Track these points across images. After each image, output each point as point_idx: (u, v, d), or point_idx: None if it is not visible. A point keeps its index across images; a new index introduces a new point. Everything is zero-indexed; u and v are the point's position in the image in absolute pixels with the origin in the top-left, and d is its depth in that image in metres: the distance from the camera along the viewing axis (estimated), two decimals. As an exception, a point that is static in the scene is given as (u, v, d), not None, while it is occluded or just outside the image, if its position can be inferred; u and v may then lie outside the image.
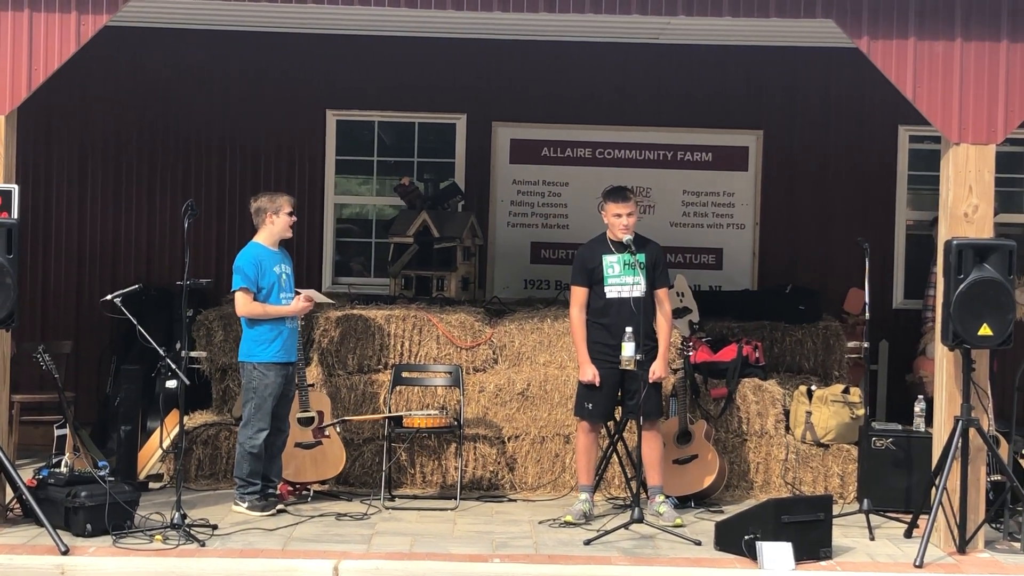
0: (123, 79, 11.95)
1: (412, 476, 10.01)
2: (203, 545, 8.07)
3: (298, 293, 9.31)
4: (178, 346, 9.13)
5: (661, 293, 9.05)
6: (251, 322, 9.14)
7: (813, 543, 8.02)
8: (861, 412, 9.71)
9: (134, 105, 11.98)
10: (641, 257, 8.85)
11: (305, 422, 9.59)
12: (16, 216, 8.33)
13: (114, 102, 11.98)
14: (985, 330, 8.14)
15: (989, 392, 8.59)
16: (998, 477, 8.72)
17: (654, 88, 12.05)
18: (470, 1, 8.50)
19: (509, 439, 9.99)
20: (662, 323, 9.03)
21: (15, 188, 8.41)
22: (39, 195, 11.85)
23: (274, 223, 9.23)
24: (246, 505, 9.03)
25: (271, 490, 9.20)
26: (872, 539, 8.57)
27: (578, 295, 9.06)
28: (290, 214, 9.24)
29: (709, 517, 9.00)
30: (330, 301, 10.08)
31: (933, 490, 8.34)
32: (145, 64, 11.93)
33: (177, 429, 8.80)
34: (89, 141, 12.02)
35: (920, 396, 9.72)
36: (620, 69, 11.98)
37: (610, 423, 9.36)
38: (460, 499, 9.48)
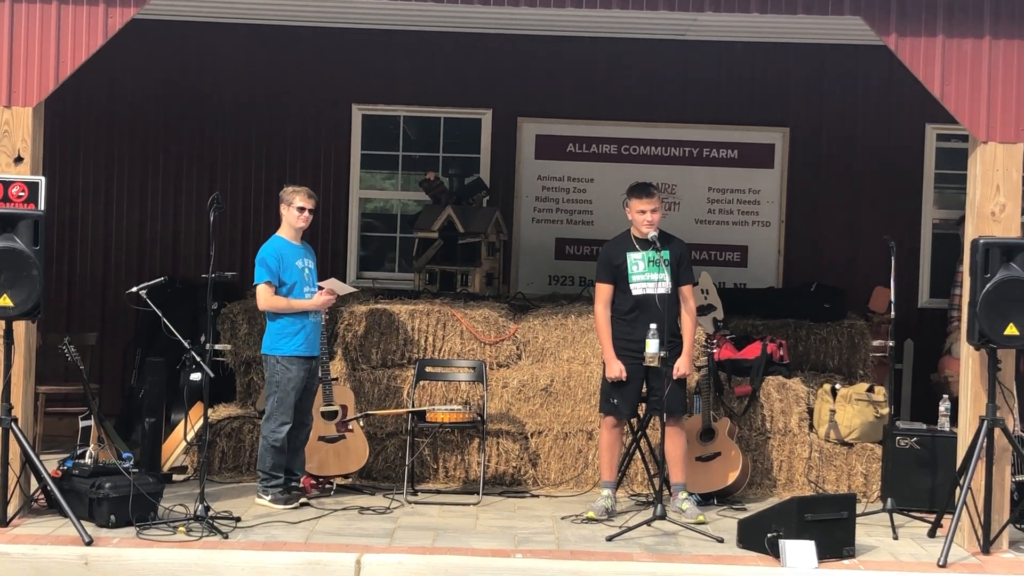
0: (150, 72, 11.98)
1: (435, 471, 10.01)
2: (226, 537, 8.09)
3: (320, 287, 9.33)
4: (203, 339, 9.16)
5: (686, 290, 9.04)
6: (273, 315, 9.16)
7: (836, 542, 7.99)
8: (885, 411, 9.67)
9: (161, 98, 12.00)
10: (666, 254, 8.83)
11: (328, 416, 9.60)
12: (43, 208, 8.36)
13: (141, 95, 12.00)
14: (1011, 330, 8.09)
15: (1015, 392, 8.54)
16: (1023, 477, 8.68)
17: (680, 85, 12.03)
18: (497, -4, 8.50)
19: (532, 435, 9.99)
20: (686, 320, 9.02)
21: (42, 180, 8.45)
22: (65, 187, 11.88)
23: (285, 215, 9.25)
24: (269, 498, 9.05)
25: (294, 483, 9.22)
26: (896, 538, 8.54)
27: (603, 292, 9.04)
28: (301, 209, 9.19)
29: (732, 515, 8.97)
30: (352, 290, 10.08)
31: (957, 490, 8.31)
32: (172, 57, 11.96)
33: (201, 422, 8.83)
34: (116, 133, 12.05)
35: (945, 395, 9.69)
36: (646, 66, 11.95)
37: (633, 420, 9.36)
38: (483, 494, 9.49)
